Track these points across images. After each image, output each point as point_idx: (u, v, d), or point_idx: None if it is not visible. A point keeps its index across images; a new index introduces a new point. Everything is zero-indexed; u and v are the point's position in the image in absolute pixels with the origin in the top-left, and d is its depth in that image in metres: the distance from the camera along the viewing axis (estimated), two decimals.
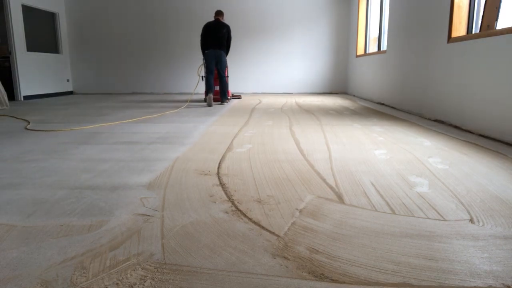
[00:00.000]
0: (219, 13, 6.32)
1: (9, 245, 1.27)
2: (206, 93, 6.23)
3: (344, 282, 1.04)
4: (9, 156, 2.58)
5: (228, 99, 6.63)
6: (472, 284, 1.03)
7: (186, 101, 6.95)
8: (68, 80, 8.98)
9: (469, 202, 1.67)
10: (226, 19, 8.60)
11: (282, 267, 1.13)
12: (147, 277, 1.06)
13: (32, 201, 1.69)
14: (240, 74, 9.06)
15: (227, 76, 6.63)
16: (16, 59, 7.12)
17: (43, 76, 7.99)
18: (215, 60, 6.17)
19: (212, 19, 7.40)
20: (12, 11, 6.98)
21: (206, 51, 6.22)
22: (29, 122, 4.14)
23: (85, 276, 1.07)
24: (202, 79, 6.73)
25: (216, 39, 6.14)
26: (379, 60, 6.41)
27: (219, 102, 6.57)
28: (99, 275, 1.07)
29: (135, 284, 1.03)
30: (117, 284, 1.03)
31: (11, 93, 7.19)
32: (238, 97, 7.72)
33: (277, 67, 9.01)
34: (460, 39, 3.74)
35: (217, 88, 6.64)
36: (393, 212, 1.56)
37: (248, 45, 8.92)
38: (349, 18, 8.78)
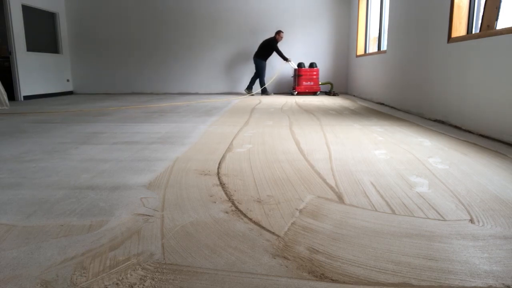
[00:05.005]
0: (276, 32, 8.26)
1: (9, 245, 1.27)
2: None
3: (344, 282, 1.04)
4: (9, 156, 2.58)
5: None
6: (472, 284, 1.03)
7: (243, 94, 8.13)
8: (68, 80, 8.98)
9: (469, 202, 1.67)
10: (226, 19, 8.83)
11: (282, 267, 1.13)
12: (147, 277, 1.06)
13: (32, 201, 1.69)
14: (240, 74, 9.07)
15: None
16: (16, 59, 7.11)
17: (43, 76, 7.99)
18: None
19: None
20: (12, 11, 6.98)
21: None
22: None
23: (85, 276, 1.07)
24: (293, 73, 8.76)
25: (257, 49, 8.37)
26: (379, 60, 6.41)
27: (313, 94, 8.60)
28: (99, 275, 1.07)
29: (135, 284, 1.03)
30: (117, 284, 1.03)
31: (11, 93, 7.18)
32: (335, 94, 8.49)
33: (277, 67, 9.01)
34: (460, 39, 3.74)
35: (309, 84, 8.50)
36: (393, 212, 1.56)
37: (248, 44, 8.92)
38: (349, 18, 8.78)
